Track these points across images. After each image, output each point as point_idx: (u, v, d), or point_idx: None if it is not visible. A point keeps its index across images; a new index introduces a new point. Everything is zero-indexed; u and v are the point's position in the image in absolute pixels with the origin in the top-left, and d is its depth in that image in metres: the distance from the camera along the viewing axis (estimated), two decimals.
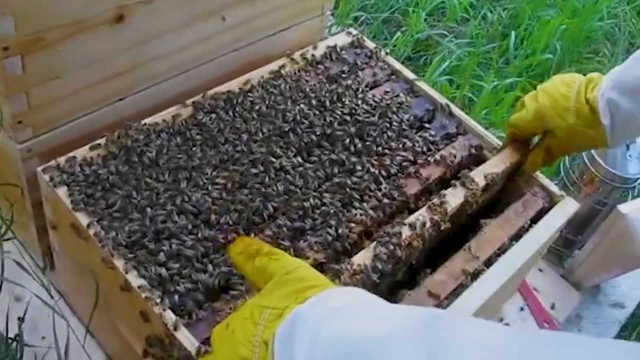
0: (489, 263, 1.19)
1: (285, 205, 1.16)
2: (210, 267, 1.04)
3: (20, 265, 1.36)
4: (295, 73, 1.44)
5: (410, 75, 1.51)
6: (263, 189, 1.17)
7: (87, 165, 1.16)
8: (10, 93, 1.09)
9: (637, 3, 3.23)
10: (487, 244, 1.22)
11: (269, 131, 1.28)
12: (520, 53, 2.75)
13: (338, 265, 1.07)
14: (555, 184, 1.39)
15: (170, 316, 0.97)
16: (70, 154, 1.16)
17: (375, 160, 1.28)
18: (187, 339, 0.95)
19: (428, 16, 2.78)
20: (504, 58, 2.75)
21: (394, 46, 2.57)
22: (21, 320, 1.28)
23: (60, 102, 1.18)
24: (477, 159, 1.39)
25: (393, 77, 1.51)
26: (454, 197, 1.24)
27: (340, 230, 1.14)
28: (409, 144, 1.33)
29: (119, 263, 1.03)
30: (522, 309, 1.67)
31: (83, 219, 1.08)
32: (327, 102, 1.37)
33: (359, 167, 1.25)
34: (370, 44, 1.56)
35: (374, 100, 1.41)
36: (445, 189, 1.27)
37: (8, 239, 1.41)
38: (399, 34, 2.62)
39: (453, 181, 1.28)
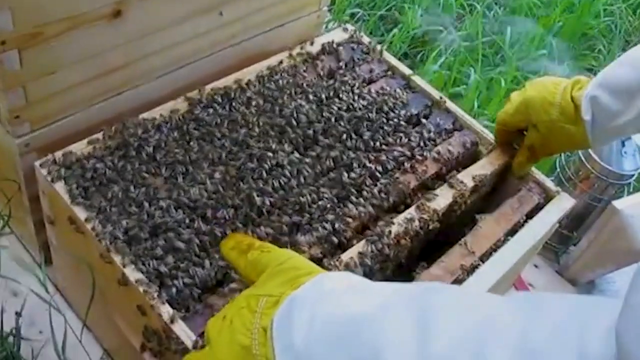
0: (484, 258, 1.20)
1: (281, 200, 1.16)
2: (207, 261, 1.05)
3: (17, 260, 1.37)
4: (292, 69, 1.44)
5: (407, 70, 1.52)
6: (260, 184, 1.17)
7: (85, 160, 1.16)
8: (8, 87, 1.09)
9: (633, 1, 3.23)
10: (483, 239, 1.23)
11: (265, 126, 1.28)
12: (515, 49, 2.75)
13: (327, 262, 1.08)
14: (551, 181, 1.39)
15: (167, 310, 0.97)
16: (68, 149, 1.17)
17: (371, 155, 1.29)
18: (184, 332, 0.95)
19: (424, 12, 2.78)
20: (500, 55, 2.75)
21: (391, 43, 2.57)
22: (18, 314, 1.28)
23: (58, 96, 1.18)
24: (473, 154, 1.40)
25: (389, 73, 1.51)
26: (443, 197, 1.25)
27: (336, 225, 1.14)
28: (405, 139, 1.34)
29: (117, 257, 1.03)
30: None
31: (81, 213, 1.08)
32: (324, 98, 1.38)
33: (355, 163, 1.26)
34: (366, 40, 1.57)
35: (370, 96, 1.41)
36: (440, 186, 1.28)
37: (5, 234, 1.42)
38: (395, 30, 2.62)
39: (440, 183, 1.29)
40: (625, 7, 3.16)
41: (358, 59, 1.52)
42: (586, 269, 1.76)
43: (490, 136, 1.40)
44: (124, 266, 1.02)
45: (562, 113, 1.24)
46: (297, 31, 1.55)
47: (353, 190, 1.21)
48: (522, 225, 1.28)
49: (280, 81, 1.39)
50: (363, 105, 1.38)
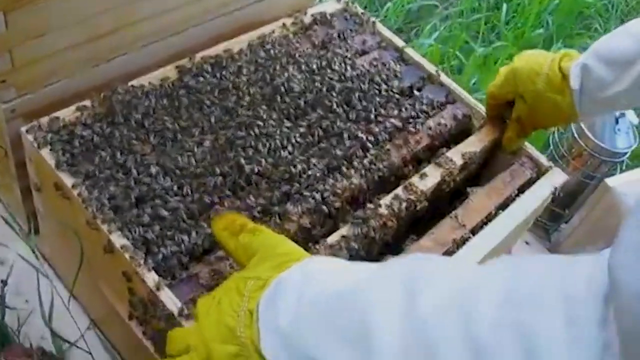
0: (475, 231, 1.19)
1: (271, 169, 1.15)
2: (194, 229, 1.03)
3: (4, 228, 1.35)
4: (284, 38, 1.42)
5: (400, 42, 1.50)
6: (249, 152, 1.16)
7: (72, 126, 1.14)
8: None
9: None
10: (474, 212, 1.22)
11: (256, 95, 1.27)
12: (511, 26, 2.74)
13: (313, 247, 1.07)
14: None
15: (152, 276, 0.96)
16: (55, 114, 1.15)
17: (363, 126, 1.27)
18: (170, 299, 0.94)
19: None
20: (495, 32, 2.74)
21: (385, 17, 2.55)
22: (4, 283, 1.27)
23: (45, 61, 1.16)
24: (466, 127, 1.39)
25: (383, 44, 1.50)
26: (431, 177, 1.23)
27: (326, 196, 1.13)
28: (397, 111, 1.32)
29: (103, 224, 1.02)
30: None
31: (67, 179, 1.07)
32: (316, 68, 1.36)
33: (346, 134, 1.24)
34: (360, 11, 1.55)
35: (363, 67, 1.40)
36: (432, 159, 1.27)
37: None
38: (389, 4, 2.60)
39: (430, 154, 1.28)
40: None
41: (351, 30, 1.50)
42: (577, 246, 1.76)
43: (484, 109, 1.39)
44: (110, 233, 1.01)
45: (548, 83, 1.23)
46: (291, 1, 1.53)
47: (343, 160, 1.20)
48: (514, 199, 1.27)
49: (272, 51, 1.38)
50: (355, 76, 1.37)
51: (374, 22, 1.53)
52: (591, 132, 1.69)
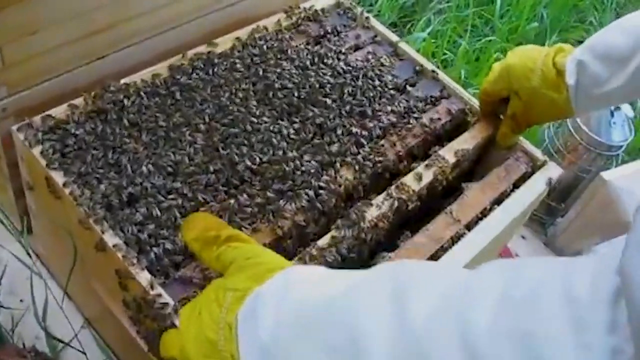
0: (470, 226, 1.18)
1: (265, 166, 1.14)
2: None
3: None
4: (277, 34, 1.42)
5: (394, 37, 1.49)
6: (243, 150, 1.15)
7: (64, 125, 1.13)
8: None
9: None
10: (469, 207, 1.21)
11: (249, 92, 1.26)
12: (505, 20, 2.73)
13: (302, 250, 1.06)
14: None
15: (145, 276, 0.95)
16: (46, 113, 1.14)
17: (357, 122, 1.27)
18: (163, 299, 0.94)
19: None
20: (489, 26, 2.73)
21: (379, 11, 2.54)
22: None
23: (37, 59, 1.16)
24: (460, 123, 1.38)
25: (376, 39, 1.49)
26: (423, 176, 1.22)
27: (320, 193, 1.12)
28: (391, 106, 1.31)
29: (95, 223, 1.01)
30: None
31: (58, 178, 1.06)
32: (309, 64, 1.35)
33: (340, 130, 1.24)
34: (353, 6, 1.54)
35: (356, 63, 1.39)
36: (425, 156, 1.26)
37: None
38: None
39: (415, 163, 1.26)
40: None
41: (345, 25, 1.50)
42: (573, 240, 1.76)
43: (478, 105, 1.38)
44: (102, 232, 1.00)
45: (543, 79, 1.22)
46: None
47: (338, 157, 1.19)
48: (509, 194, 1.26)
49: (265, 46, 1.37)
50: (349, 72, 1.36)
51: (367, 17, 1.52)
52: (587, 126, 1.69)
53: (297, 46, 1.40)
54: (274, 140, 1.18)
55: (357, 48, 1.46)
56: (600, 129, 1.68)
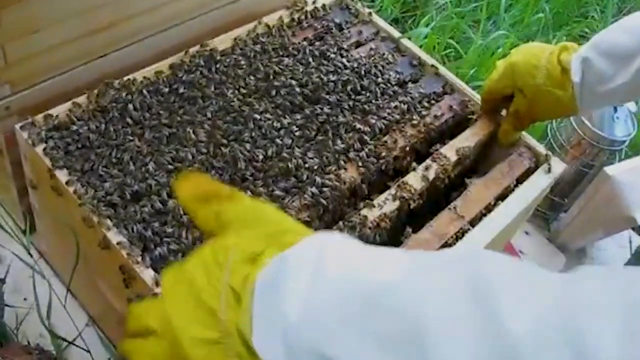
0: (474, 222, 1.18)
1: (268, 163, 1.14)
2: (192, 224, 1.02)
3: (1, 227, 1.34)
4: (279, 31, 1.41)
5: (396, 33, 1.49)
6: (246, 147, 1.15)
7: (67, 123, 1.14)
8: None
9: None
10: (473, 203, 1.21)
11: (252, 89, 1.26)
12: (509, 15, 2.73)
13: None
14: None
15: (149, 273, 0.95)
16: (49, 111, 1.14)
17: (360, 119, 1.26)
18: None
19: None
20: (493, 20, 2.73)
21: (381, 7, 2.54)
22: (2, 281, 1.27)
23: (40, 57, 1.16)
24: (463, 118, 1.38)
25: (379, 35, 1.49)
26: (424, 175, 1.22)
27: (324, 190, 1.12)
28: (394, 102, 1.31)
29: (99, 221, 1.01)
30: None
31: (62, 176, 1.06)
32: (312, 60, 1.35)
33: (343, 126, 1.23)
34: (355, 3, 1.54)
35: (359, 59, 1.39)
36: (427, 153, 1.26)
37: None
38: None
39: (417, 161, 1.26)
40: None
41: (347, 21, 1.50)
42: (577, 235, 1.75)
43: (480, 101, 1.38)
44: (107, 229, 1.00)
45: (548, 77, 1.22)
46: None
47: (341, 153, 1.19)
48: (513, 189, 1.26)
49: (268, 44, 1.37)
50: (352, 68, 1.36)
51: (370, 13, 1.52)
52: (589, 121, 1.68)
53: (299, 43, 1.40)
54: (277, 137, 1.18)
55: (359, 44, 1.46)
56: (603, 124, 1.68)
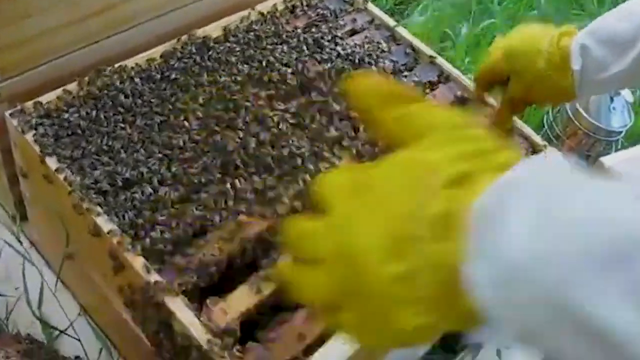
0: None
1: (261, 151, 1.13)
2: (183, 212, 1.02)
3: None
4: (273, 18, 1.40)
5: (391, 22, 1.48)
6: (239, 135, 1.14)
7: (57, 110, 1.12)
8: None
9: None
10: None
11: (245, 77, 1.25)
12: (503, 6, 2.72)
13: None
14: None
15: (140, 261, 0.94)
16: (40, 98, 1.13)
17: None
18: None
19: None
20: (488, 14, 2.72)
21: None
22: None
23: (31, 43, 1.14)
24: (458, 108, 1.37)
25: (374, 24, 1.48)
26: None
27: (317, 178, 1.11)
28: None
29: (89, 208, 1.00)
30: None
31: (52, 163, 1.05)
32: (306, 48, 1.34)
33: (337, 115, 1.22)
34: None
35: (353, 47, 1.38)
36: None
37: None
38: None
39: None
40: None
41: (342, 9, 1.48)
42: None
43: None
44: (97, 216, 0.99)
45: (549, 62, 1.20)
46: None
47: (335, 142, 1.18)
48: None
49: (262, 31, 1.35)
50: (346, 56, 1.35)
51: (365, 1, 1.51)
52: (586, 112, 1.68)
53: (293, 30, 1.38)
54: (271, 125, 1.17)
55: (354, 32, 1.44)
56: (599, 114, 1.67)
